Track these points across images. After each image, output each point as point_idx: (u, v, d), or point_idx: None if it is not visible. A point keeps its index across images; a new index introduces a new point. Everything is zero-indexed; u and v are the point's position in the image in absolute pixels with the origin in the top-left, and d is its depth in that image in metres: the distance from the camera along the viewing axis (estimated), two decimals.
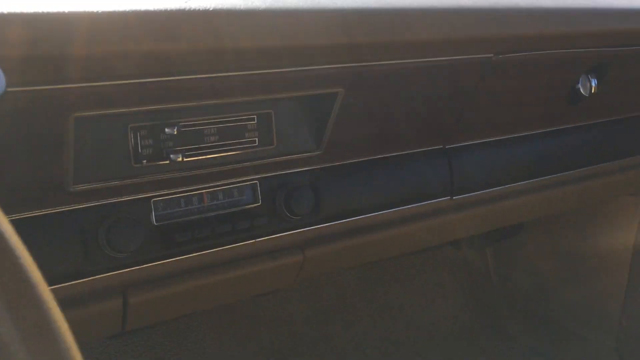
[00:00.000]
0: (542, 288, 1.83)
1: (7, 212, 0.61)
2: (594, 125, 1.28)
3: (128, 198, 0.72)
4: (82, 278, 0.70)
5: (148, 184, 0.73)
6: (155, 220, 0.74)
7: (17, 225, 0.64)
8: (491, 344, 1.82)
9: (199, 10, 0.62)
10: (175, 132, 0.71)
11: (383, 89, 0.85)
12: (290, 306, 1.70)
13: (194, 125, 0.74)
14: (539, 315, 1.83)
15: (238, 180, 0.81)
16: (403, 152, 1.01)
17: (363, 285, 1.82)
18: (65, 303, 0.70)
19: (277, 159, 0.82)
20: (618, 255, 1.66)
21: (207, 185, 0.78)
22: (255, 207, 0.82)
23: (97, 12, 0.57)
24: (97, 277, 0.71)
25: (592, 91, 1.17)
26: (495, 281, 1.93)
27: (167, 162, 0.72)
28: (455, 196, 1.08)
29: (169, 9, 0.61)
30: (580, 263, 1.74)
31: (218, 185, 0.79)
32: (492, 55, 0.92)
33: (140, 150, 0.70)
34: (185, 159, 0.73)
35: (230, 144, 0.78)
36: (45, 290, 0.31)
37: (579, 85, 1.16)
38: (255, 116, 0.79)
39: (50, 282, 0.68)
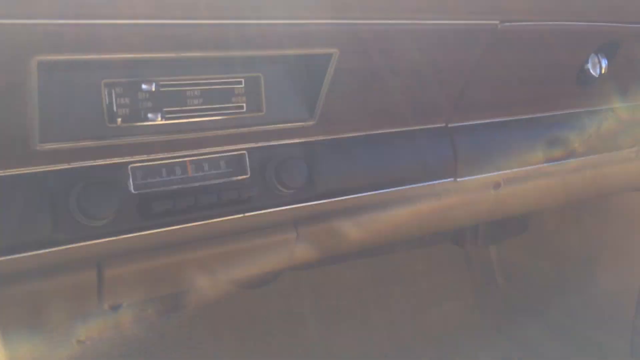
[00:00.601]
0: (550, 289, 1.76)
1: None
2: (603, 110, 1.22)
3: (103, 162, 0.67)
4: (52, 247, 0.64)
5: (125, 147, 0.67)
6: (134, 188, 0.69)
7: None
8: (497, 345, 1.75)
9: None
10: (154, 89, 0.66)
11: (381, 53, 0.80)
12: (289, 303, 1.64)
13: (175, 84, 0.69)
14: (547, 317, 1.76)
15: (225, 149, 0.76)
16: (403, 129, 0.95)
17: (364, 285, 1.76)
18: (35, 273, 0.65)
19: (267, 127, 0.77)
20: (629, 254, 1.60)
21: (191, 153, 0.73)
22: (243, 179, 0.77)
23: None
24: (68, 246, 0.65)
25: (602, 72, 1.11)
26: (500, 282, 1.86)
27: (145, 123, 0.67)
28: (459, 178, 1.02)
29: None
30: (589, 263, 1.67)
31: (203, 154, 0.74)
32: (497, 22, 0.87)
33: (115, 109, 0.65)
34: (165, 121, 0.68)
35: (215, 108, 0.72)
36: None
37: (589, 65, 1.11)
38: (242, 79, 0.74)
39: (17, 250, 0.62)
